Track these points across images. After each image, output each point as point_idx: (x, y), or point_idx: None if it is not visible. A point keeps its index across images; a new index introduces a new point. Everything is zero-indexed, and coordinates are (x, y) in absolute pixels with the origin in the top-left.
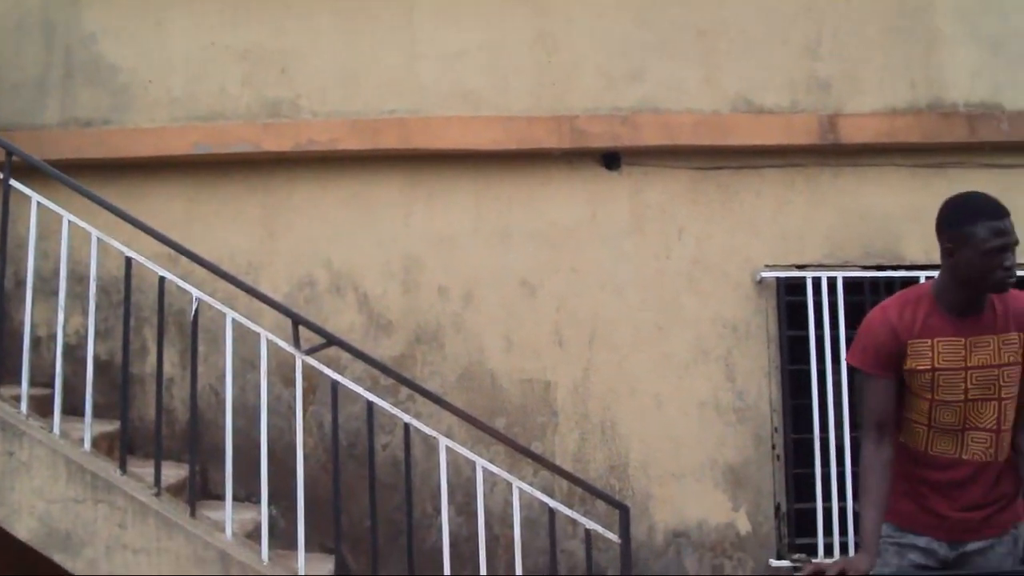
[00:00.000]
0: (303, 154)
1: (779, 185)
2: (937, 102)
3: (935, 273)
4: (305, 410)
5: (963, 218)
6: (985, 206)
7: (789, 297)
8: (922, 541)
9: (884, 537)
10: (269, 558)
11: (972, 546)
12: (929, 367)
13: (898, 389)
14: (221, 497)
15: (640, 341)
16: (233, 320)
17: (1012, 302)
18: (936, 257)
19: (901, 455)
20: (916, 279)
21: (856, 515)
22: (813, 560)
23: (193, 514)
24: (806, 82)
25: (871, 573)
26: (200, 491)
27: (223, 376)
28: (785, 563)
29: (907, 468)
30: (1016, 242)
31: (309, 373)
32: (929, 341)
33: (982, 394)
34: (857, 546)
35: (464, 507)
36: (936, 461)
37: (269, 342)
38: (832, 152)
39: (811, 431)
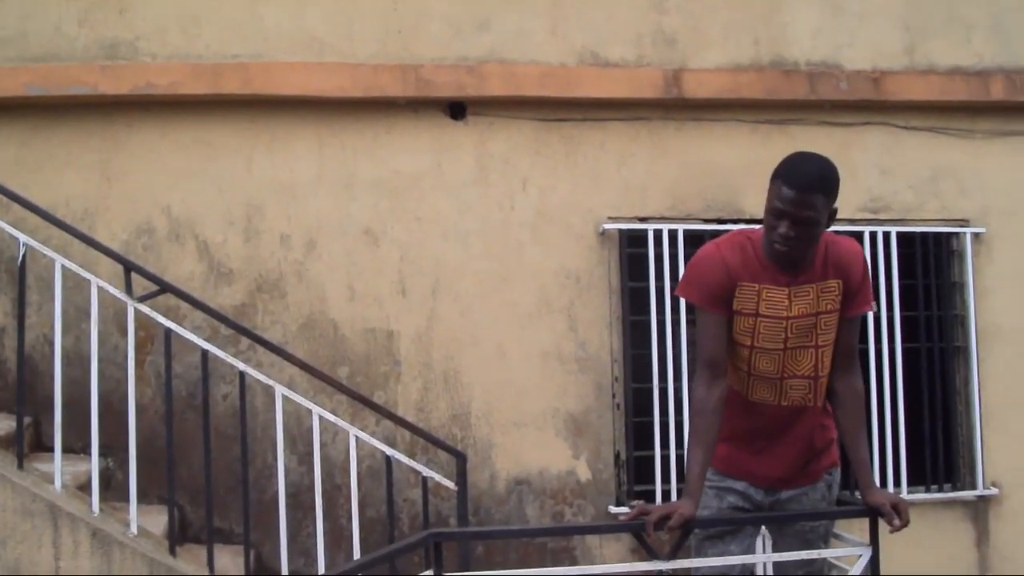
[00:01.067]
0: (142, 98)
1: (623, 138)
2: (779, 60)
3: None
4: (143, 360)
5: (773, 173)
6: (792, 170)
7: (631, 249)
8: (740, 485)
9: (705, 481)
10: (101, 510)
11: (787, 494)
12: (753, 312)
13: (729, 329)
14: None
15: (483, 291)
16: (68, 268)
17: (833, 248)
18: None
19: (728, 399)
20: None
21: None
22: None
23: (21, 466)
24: (652, 36)
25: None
26: (36, 444)
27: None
28: (624, 509)
29: (731, 413)
30: (803, 218)
31: (147, 323)
32: (756, 286)
33: (800, 343)
34: (680, 491)
35: (307, 457)
36: (757, 408)
37: (102, 290)
38: (676, 106)
39: (650, 381)
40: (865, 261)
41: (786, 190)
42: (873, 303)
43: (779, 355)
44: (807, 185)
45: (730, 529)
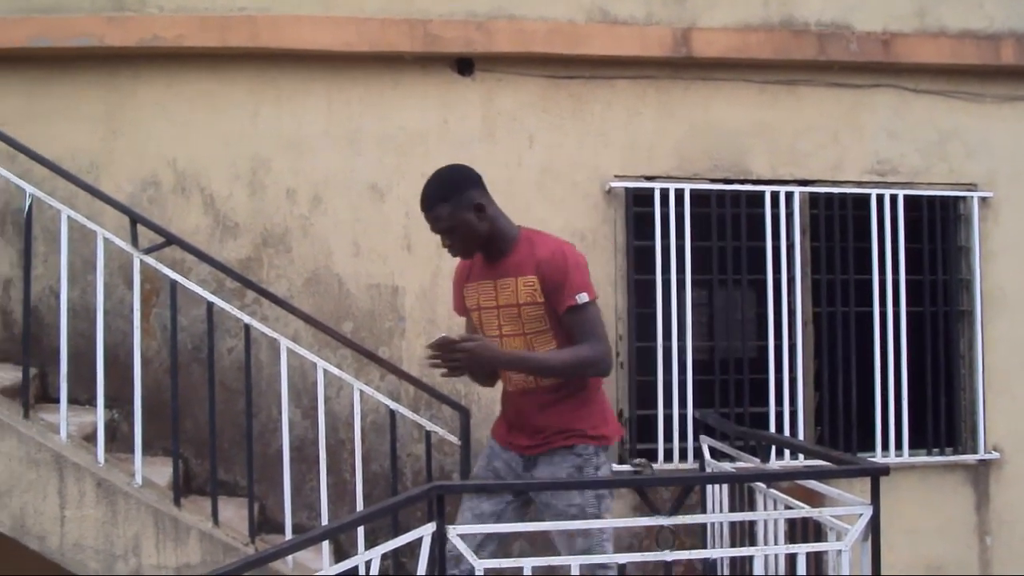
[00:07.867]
0: (149, 50)
1: (630, 96)
2: (789, 20)
3: (780, 188)
4: (149, 312)
5: None
6: (421, 194)
7: (637, 208)
8: (507, 456)
9: (486, 449)
10: (106, 460)
11: (540, 471)
12: (475, 306)
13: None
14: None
15: None
16: (74, 220)
17: (537, 248)
18: (782, 173)
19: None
20: (762, 193)
21: (695, 421)
22: (652, 466)
23: (27, 415)
24: None
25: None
26: (42, 395)
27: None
28: (626, 467)
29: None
30: (442, 229)
31: (153, 275)
32: (475, 284)
33: (512, 330)
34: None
35: (311, 411)
36: (506, 390)
37: (107, 242)
38: (684, 65)
39: (654, 340)
40: (566, 259)
41: (422, 213)
42: (580, 296)
43: (498, 342)
44: (426, 205)
45: (487, 491)
